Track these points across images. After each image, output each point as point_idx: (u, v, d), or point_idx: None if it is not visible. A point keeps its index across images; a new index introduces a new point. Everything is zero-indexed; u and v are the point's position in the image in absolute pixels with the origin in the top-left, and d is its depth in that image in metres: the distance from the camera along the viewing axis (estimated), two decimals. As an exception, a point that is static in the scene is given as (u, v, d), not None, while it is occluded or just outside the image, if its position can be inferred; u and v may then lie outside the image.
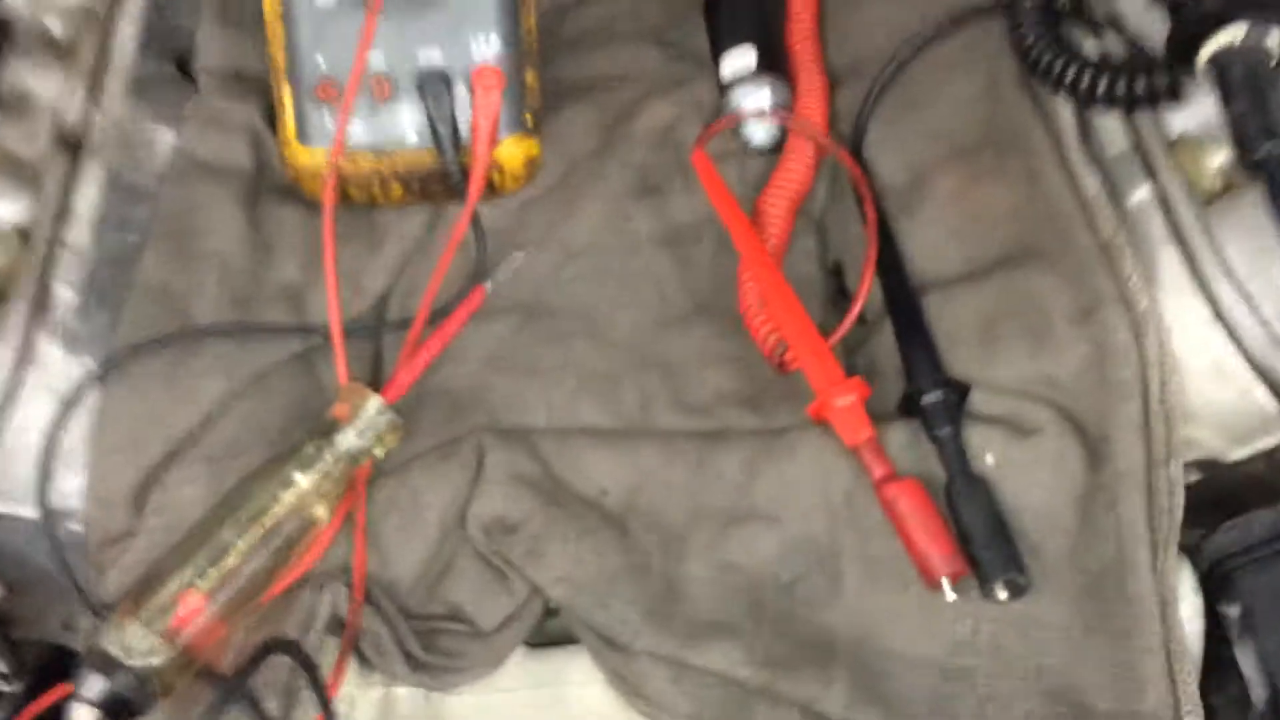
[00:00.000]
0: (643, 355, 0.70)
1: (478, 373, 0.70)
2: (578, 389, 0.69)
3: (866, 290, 0.67)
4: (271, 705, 0.56)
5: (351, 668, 0.59)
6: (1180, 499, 0.58)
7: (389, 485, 0.64)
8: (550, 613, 0.62)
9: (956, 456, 0.61)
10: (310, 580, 0.60)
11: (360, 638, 0.59)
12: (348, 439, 0.62)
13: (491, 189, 0.73)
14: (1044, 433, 0.61)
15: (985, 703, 0.57)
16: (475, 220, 0.72)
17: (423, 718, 0.59)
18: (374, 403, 0.63)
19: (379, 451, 0.64)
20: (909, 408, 0.64)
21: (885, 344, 0.67)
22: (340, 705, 0.57)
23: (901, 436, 0.63)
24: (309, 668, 0.55)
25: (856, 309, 0.67)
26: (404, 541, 0.62)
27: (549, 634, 0.63)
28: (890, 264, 0.69)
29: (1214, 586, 0.60)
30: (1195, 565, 0.60)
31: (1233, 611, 0.60)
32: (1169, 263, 0.62)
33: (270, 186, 0.74)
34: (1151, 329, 0.60)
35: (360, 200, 0.73)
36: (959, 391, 0.63)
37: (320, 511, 0.61)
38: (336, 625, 0.59)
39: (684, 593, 0.60)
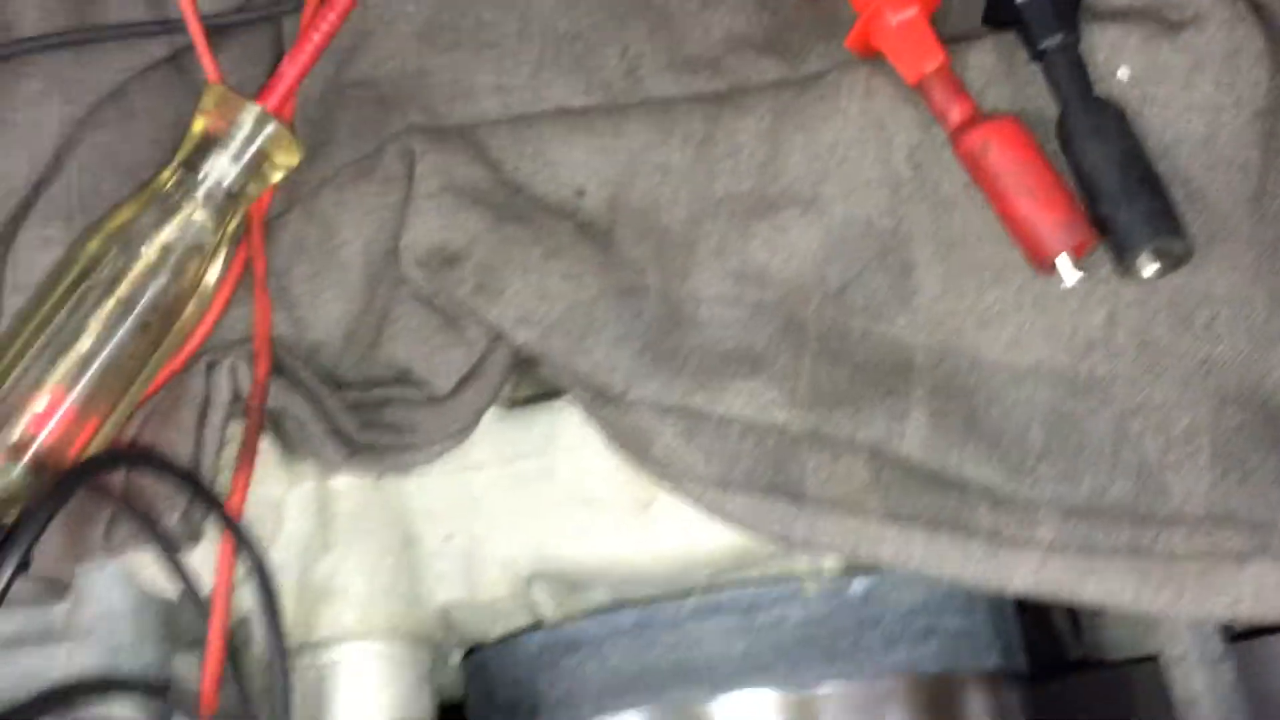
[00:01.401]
0: (625, 0, 0.50)
1: (409, 52, 0.52)
2: (540, 59, 0.50)
3: None
4: (174, 524, 0.43)
5: (276, 461, 0.45)
6: None
7: (293, 221, 0.48)
8: (528, 359, 0.46)
9: (1073, 74, 0.41)
10: (207, 356, 0.46)
11: (279, 421, 0.45)
12: (219, 165, 0.46)
13: None
14: (1205, 19, 0.40)
15: (1128, 418, 0.40)
16: None
17: (376, 511, 0.45)
18: (250, 112, 0.46)
19: (274, 176, 0.47)
20: (997, 13, 0.43)
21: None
22: (259, 511, 0.44)
23: (988, 59, 0.43)
24: (186, 477, 0.42)
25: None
26: (320, 291, 0.47)
27: (534, 385, 0.48)
28: None
29: None
30: None
31: None
32: None
33: None
34: None
35: None
36: (1073, -23, 0.42)
37: (202, 266, 0.46)
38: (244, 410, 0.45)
39: (692, 318, 0.44)
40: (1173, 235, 0.38)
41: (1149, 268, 0.39)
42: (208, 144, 0.46)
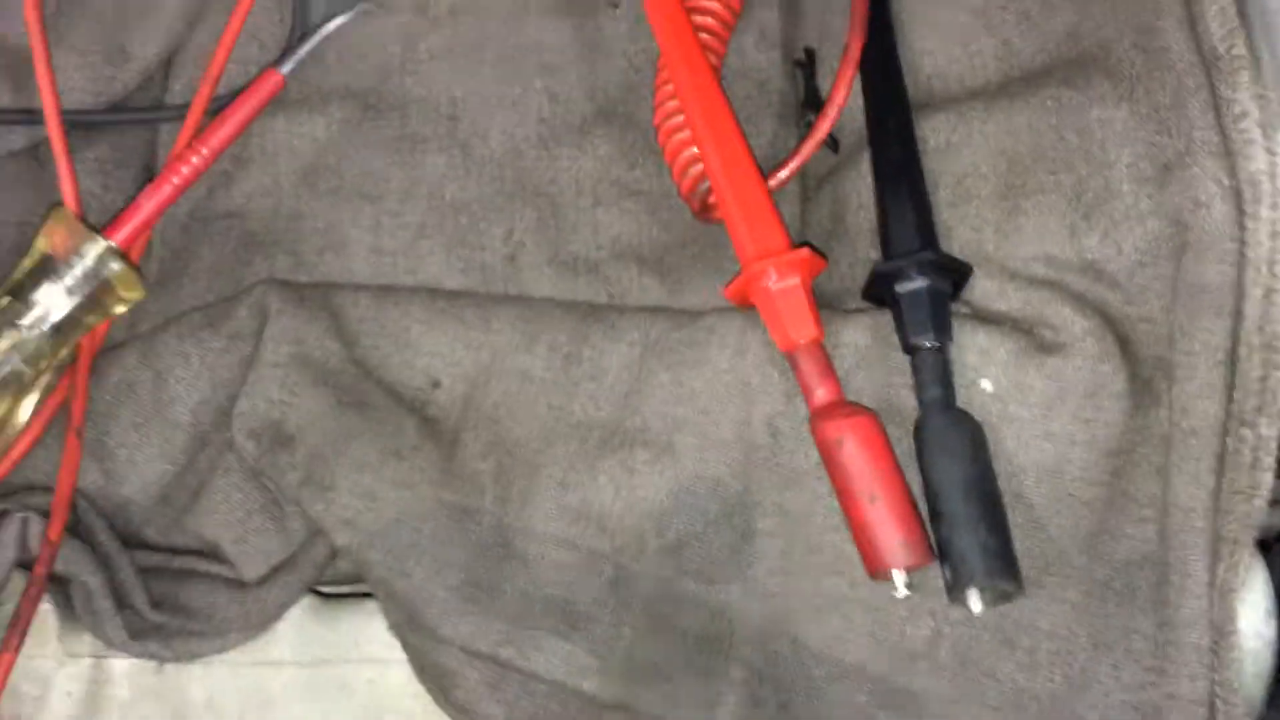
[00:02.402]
0: (519, 179, 0.49)
1: (286, 190, 0.49)
2: (422, 224, 0.49)
3: (842, 100, 0.45)
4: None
5: (52, 629, 0.42)
6: (1268, 478, 0.39)
7: (126, 362, 0.45)
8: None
9: (938, 378, 0.41)
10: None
11: (62, 586, 0.42)
12: (53, 295, 0.43)
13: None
14: (1072, 350, 0.40)
15: (936, 735, 0.40)
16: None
17: (151, 703, 0.42)
18: (95, 246, 0.43)
19: (115, 310, 0.45)
20: (879, 293, 0.43)
21: (860, 188, 0.45)
22: (24, 687, 0.41)
23: (861, 338, 0.42)
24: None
25: (823, 130, 0.45)
26: (141, 446, 0.44)
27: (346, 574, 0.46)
28: (883, 62, 0.46)
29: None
30: (1272, 566, 0.40)
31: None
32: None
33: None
34: (1267, 206, 0.39)
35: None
36: (955, 274, 0.42)
37: (15, 400, 0.43)
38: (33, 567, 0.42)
39: (521, 554, 0.42)
40: (1005, 578, 0.38)
41: (977, 604, 0.38)
42: (45, 269, 0.43)
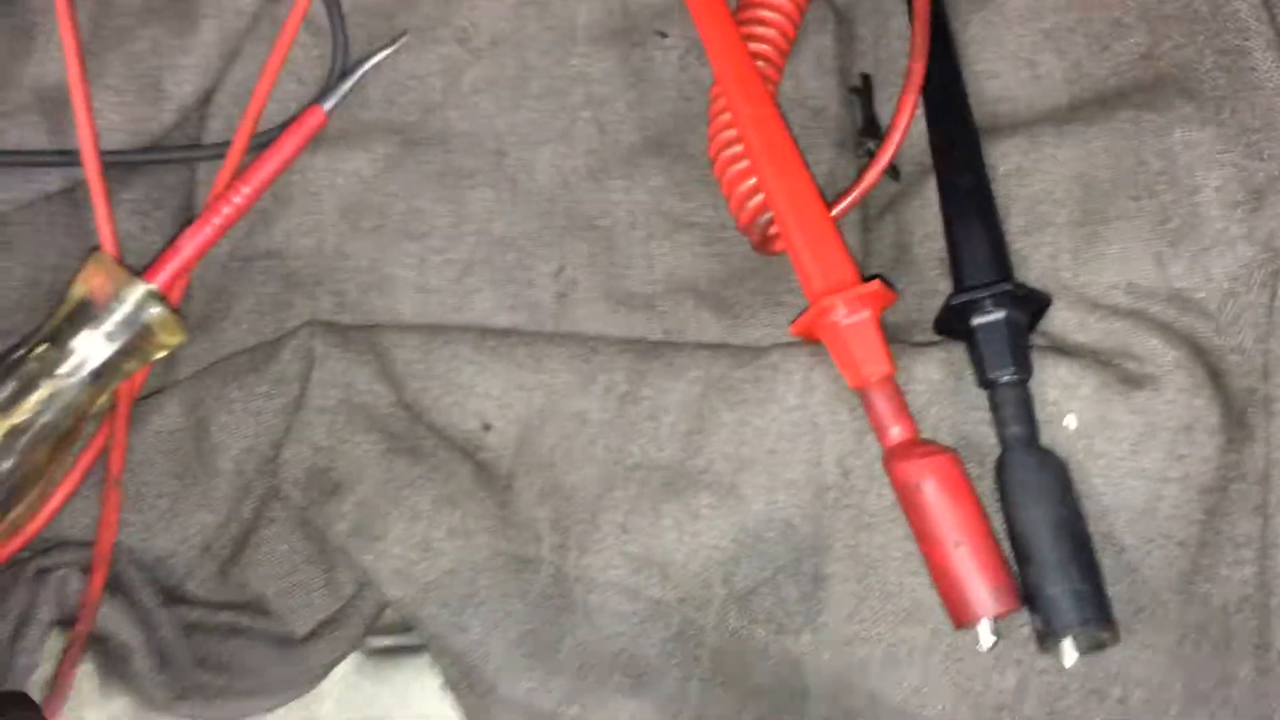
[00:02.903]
0: (568, 213, 0.47)
1: (329, 228, 0.48)
2: (469, 261, 0.47)
3: (905, 126, 0.43)
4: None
5: (92, 692, 0.40)
6: (1379, 516, 0.36)
7: (166, 410, 0.43)
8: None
9: (1019, 416, 0.39)
10: (35, 559, 0.41)
11: (102, 645, 0.40)
12: (91, 343, 0.41)
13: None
14: (1162, 383, 0.38)
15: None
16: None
17: (192, 764, 0.41)
18: (135, 290, 0.42)
19: (155, 355, 0.43)
20: (951, 326, 0.41)
21: (925, 217, 0.44)
22: (63, 750, 0.39)
23: (935, 373, 0.41)
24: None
25: (886, 158, 0.43)
26: (182, 497, 0.42)
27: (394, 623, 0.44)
28: (946, 86, 0.44)
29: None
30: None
31: None
32: None
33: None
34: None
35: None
36: (1034, 305, 0.40)
37: (53, 451, 0.41)
38: (72, 625, 0.40)
39: (582, 604, 0.40)
40: (1100, 625, 0.36)
41: (1071, 653, 0.36)
42: (83, 314, 0.42)
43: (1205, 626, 0.38)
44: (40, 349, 0.41)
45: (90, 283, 0.42)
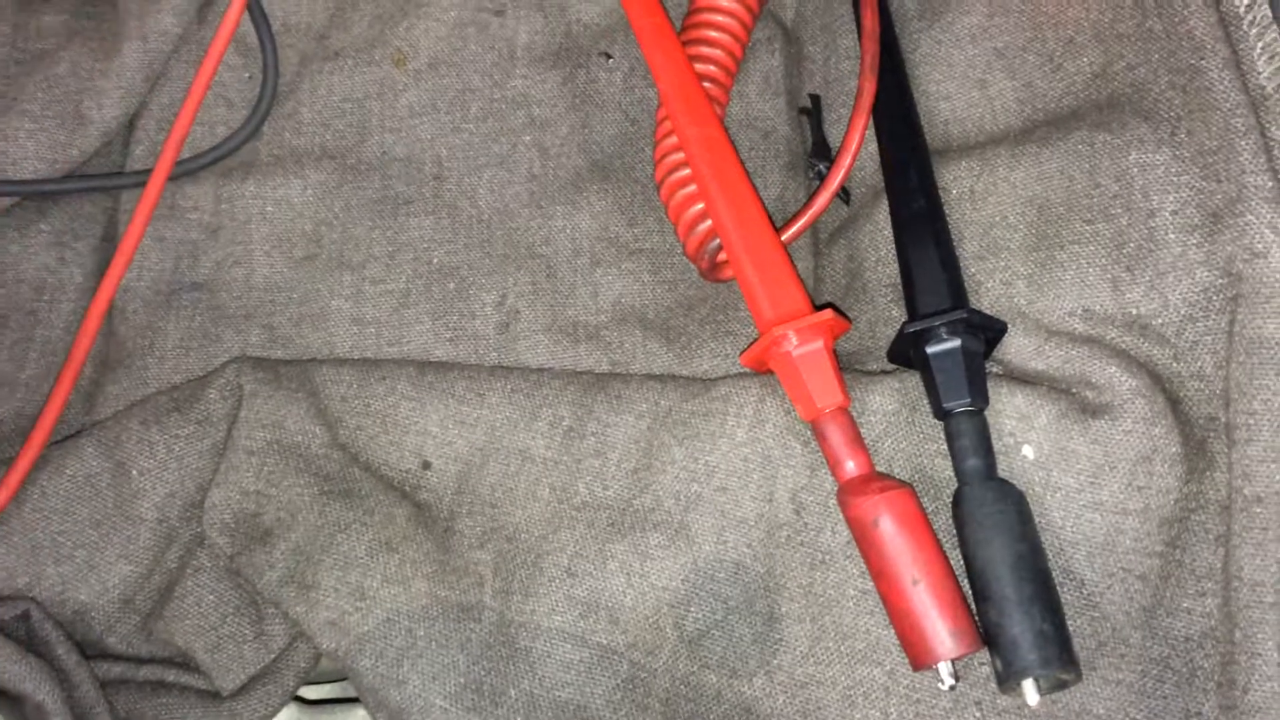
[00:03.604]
0: (510, 240, 0.46)
1: (259, 258, 0.46)
2: (407, 292, 0.45)
3: (855, 149, 0.42)
4: None
5: (4, 752, 0.38)
6: (1343, 548, 0.35)
7: (83, 454, 0.41)
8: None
9: (977, 446, 0.37)
10: (-57, 612, 0.38)
11: (16, 705, 0.38)
12: None
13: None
14: (1120, 412, 0.37)
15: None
16: (257, 8, 0.47)
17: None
18: None
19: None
20: (905, 354, 0.40)
21: (877, 241, 0.42)
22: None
23: (889, 404, 0.39)
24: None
25: (837, 181, 0.42)
26: (102, 546, 0.40)
27: (330, 671, 0.42)
28: (896, 108, 0.43)
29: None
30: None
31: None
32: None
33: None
34: (1326, 253, 0.36)
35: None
36: (989, 332, 0.39)
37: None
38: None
39: (526, 652, 0.38)
40: (1063, 666, 0.35)
41: (1034, 695, 0.35)
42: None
43: (1168, 661, 0.37)
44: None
45: None
